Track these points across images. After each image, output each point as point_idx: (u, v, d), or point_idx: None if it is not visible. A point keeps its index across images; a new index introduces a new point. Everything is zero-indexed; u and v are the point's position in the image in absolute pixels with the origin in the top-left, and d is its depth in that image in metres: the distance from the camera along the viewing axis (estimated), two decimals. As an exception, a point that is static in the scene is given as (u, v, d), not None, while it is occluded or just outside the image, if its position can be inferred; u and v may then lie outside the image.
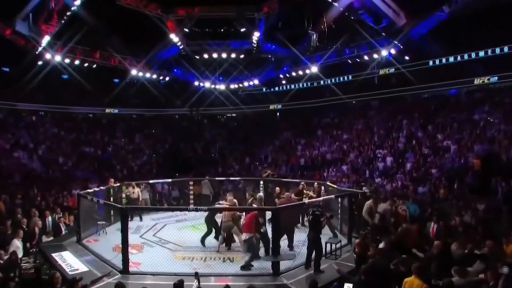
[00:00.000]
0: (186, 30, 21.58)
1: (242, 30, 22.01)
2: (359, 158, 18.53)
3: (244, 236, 7.77)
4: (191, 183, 14.27)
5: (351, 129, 22.04)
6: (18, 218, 10.85)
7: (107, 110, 28.07)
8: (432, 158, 15.88)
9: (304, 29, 21.16)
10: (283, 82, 26.86)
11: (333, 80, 24.46)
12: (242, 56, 23.82)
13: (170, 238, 9.67)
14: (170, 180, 15.66)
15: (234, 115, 30.51)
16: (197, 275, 6.08)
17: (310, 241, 7.49)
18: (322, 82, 24.96)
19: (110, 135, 26.75)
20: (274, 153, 23.06)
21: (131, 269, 7.70)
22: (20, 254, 8.63)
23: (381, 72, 22.36)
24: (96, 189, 11.48)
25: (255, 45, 22.11)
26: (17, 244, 8.72)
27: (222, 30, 22.16)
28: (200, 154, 26.29)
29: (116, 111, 28.38)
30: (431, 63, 20.16)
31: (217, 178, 15.00)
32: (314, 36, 20.71)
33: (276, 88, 27.31)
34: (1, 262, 7.55)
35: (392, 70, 21.97)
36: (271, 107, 27.87)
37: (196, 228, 10.68)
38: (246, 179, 15.60)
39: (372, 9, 18.58)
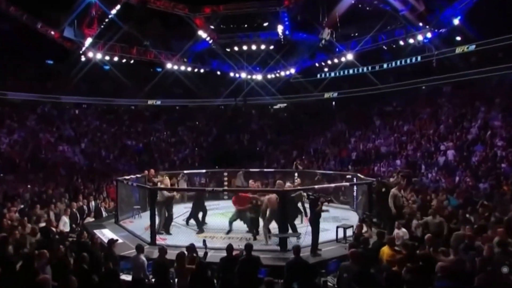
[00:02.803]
0: (212, 27, 25.39)
1: (266, 24, 25.45)
2: (417, 151, 19.92)
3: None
4: (225, 174, 17.01)
5: (415, 118, 23.32)
6: (66, 202, 14.48)
7: (150, 102, 32.31)
8: (504, 152, 16.74)
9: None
10: (326, 69, 28.81)
11: (398, 62, 25.63)
12: (271, 47, 26.88)
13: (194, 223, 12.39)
14: (204, 171, 18.56)
15: (284, 105, 33.09)
16: (204, 242, 8.58)
17: (311, 224, 9.65)
18: (385, 66, 26.27)
19: (152, 128, 30.86)
20: (325, 146, 25.24)
21: (158, 242, 10.54)
22: (67, 229, 12.15)
23: (458, 50, 22.89)
24: (133, 176, 14.68)
25: (282, 36, 24.85)
26: (65, 220, 12.39)
27: (246, 25, 25.79)
28: (245, 147, 29.41)
29: (158, 102, 32.55)
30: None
31: (251, 170, 17.58)
32: (326, 30, 22.44)
33: (332, 74, 29.05)
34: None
35: (472, 47, 22.41)
36: (326, 95, 29.95)
37: (225, 215, 13.24)
38: (281, 171, 18.04)
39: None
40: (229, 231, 11.33)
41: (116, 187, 13.89)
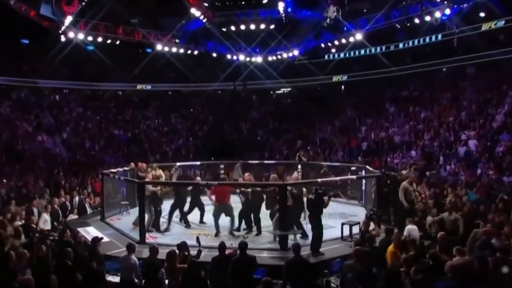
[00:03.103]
0: (206, 4, 25.19)
1: (265, 1, 25.41)
2: (435, 141, 20.11)
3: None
4: (222, 166, 17.26)
5: (433, 104, 23.43)
6: (47, 198, 14.78)
7: (139, 87, 32.55)
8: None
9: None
10: (333, 50, 28.76)
11: (415, 41, 25.56)
12: (272, 26, 26.90)
13: (191, 219, 12.69)
14: (199, 163, 18.81)
15: (288, 90, 33.30)
16: (198, 240, 8.95)
17: (312, 221, 9.90)
18: (401, 45, 26.26)
19: (142, 115, 31.16)
20: (332, 135, 25.49)
21: (147, 241, 10.82)
22: (48, 227, 12.45)
23: (485, 27, 22.67)
24: (120, 169, 14.97)
25: (283, 14, 24.75)
26: (45, 217, 12.69)
27: (244, 2, 25.83)
28: (245, 137, 29.76)
29: (148, 87, 32.79)
30: None
31: (249, 162, 17.84)
32: (331, 7, 22.43)
33: (342, 55, 29.03)
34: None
35: (500, 23, 22.15)
36: (335, 78, 30.11)
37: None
38: (283, 163, 18.34)
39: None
40: (217, 233, 11.52)
41: (101, 181, 14.24)
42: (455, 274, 6.47)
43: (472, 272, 6.39)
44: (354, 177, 12.46)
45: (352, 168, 15.72)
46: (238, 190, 11.99)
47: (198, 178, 14.16)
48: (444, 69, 26.03)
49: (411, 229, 9.94)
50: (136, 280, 8.21)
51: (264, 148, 27.35)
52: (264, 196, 11.45)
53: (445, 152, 18.98)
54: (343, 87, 31.15)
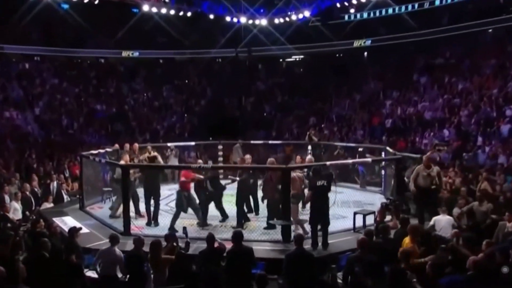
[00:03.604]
0: None
1: None
2: (473, 117, 20.37)
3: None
4: (220, 147, 17.78)
5: (473, 74, 23.59)
6: (17, 184, 15.38)
7: (124, 54, 32.92)
8: None
9: None
10: (352, 10, 28.91)
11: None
12: None
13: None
14: (193, 143, 19.32)
15: (300, 57, 33.51)
16: (185, 230, 9.46)
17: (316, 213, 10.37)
18: (437, 2, 26.35)
19: (129, 88, 31.60)
20: (351, 111, 25.89)
21: (133, 232, 11.41)
22: (18, 216, 13.07)
23: None
24: (102, 150, 15.52)
25: None
26: (15, 206, 13.28)
27: None
28: (249, 113, 30.21)
29: (136, 54, 33.14)
30: None
31: (252, 142, 18.33)
32: None
33: (365, 15, 29.05)
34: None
35: None
36: (356, 44, 30.25)
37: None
38: (291, 143, 18.85)
39: None
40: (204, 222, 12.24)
41: (80, 165, 14.85)
42: (477, 269, 6.74)
43: (490, 266, 6.78)
44: (370, 159, 12.86)
45: (360, 149, 16.22)
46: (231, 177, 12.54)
47: (200, 161, 14.52)
48: (490, 30, 26.02)
49: (439, 220, 10.40)
50: (120, 275, 8.67)
51: (271, 126, 27.82)
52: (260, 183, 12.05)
53: (485, 131, 19.12)
54: (365, 53, 31.40)
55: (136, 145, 15.43)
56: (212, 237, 8.53)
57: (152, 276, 8.44)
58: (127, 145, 15.29)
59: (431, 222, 10.54)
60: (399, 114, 23.42)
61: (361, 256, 7.81)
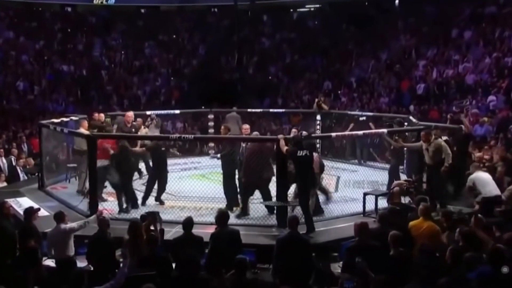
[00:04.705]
0: None
1: None
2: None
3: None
4: (211, 116, 18.15)
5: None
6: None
7: (96, 1, 33.14)
8: None
9: None
10: None
11: None
12: None
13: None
14: (178, 111, 19.78)
15: (316, 6, 33.70)
16: (158, 214, 9.78)
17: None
18: None
19: (103, 44, 31.78)
20: (375, 74, 26.03)
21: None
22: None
23: None
24: (65, 119, 15.91)
25: None
26: None
27: None
28: (250, 76, 30.48)
29: (111, 1, 33.39)
30: None
31: (249, 110, 18.61)
32: None
33: None
34: None
35: None
36: (381, -11, 30.18)
37: (206, 177, 14.75)
38: (298, 112, 19.17)
39: None
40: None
41: (39, 136, 15.21)
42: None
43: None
44: (385, 130, 13.06)
45: (362, 119, 16.63)
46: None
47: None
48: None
49: (476, 178, 11.05)
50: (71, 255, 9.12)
51: (277, 92, 28.04)
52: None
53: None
54: (397, 1, 31.40)
55: (102, 115, 15.76)
56: (189, 222, 8.96)
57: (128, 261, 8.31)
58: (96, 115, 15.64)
59: (469, 183, 11.18)
60: (434, 78, 23.46)
61: (361, 244, 8.19)
